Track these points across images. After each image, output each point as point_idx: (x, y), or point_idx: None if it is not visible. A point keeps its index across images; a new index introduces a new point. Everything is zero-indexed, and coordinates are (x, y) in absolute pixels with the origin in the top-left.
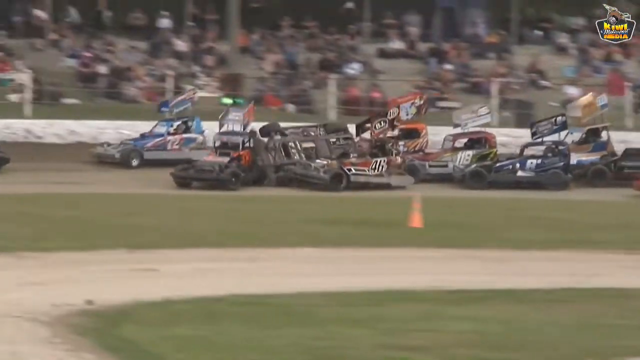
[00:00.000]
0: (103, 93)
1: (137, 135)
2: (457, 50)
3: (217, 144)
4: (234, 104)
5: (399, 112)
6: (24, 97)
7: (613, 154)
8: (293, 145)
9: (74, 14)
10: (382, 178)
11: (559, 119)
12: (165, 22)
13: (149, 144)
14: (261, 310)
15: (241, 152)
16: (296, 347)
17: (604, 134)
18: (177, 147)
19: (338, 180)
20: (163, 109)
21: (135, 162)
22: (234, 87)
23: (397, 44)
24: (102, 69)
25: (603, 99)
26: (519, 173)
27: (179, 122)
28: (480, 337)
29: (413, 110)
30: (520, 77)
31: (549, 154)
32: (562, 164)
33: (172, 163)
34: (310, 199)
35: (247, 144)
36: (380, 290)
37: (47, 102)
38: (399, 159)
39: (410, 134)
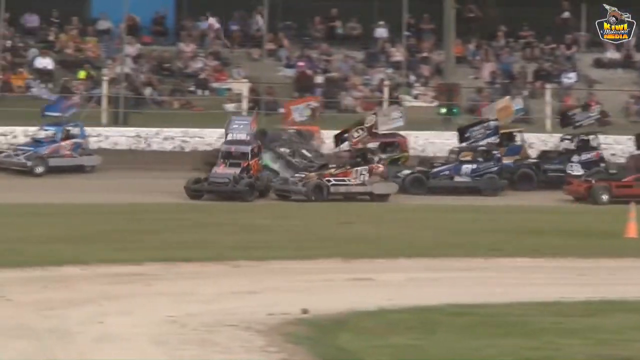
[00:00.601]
0: (320, 102)
1: None
2: None
3: (224, 154)
4: (450, 114)
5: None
6: (240, 107)
7: (527, 157)
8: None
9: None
10: (363, 187)
11: (492, 123)
12: (381, 32)
13: (48, 151)
14: (476, 320)
15: (250, 162)
16: (510, 357)
17: (518, 138)
18: (68, 152)
19: (319, 192)
20: (49, 112)
21: (40, 170)
22: (450, 97)
23: (613, 54)
24: (319, 78)
25: (519, 103)
26: (456, 178)
27: (62, 128)
28: None
29: (307, 112)
30: None
31: (480, 159)
32: (496, 168)
33: (69, 170)
34: (518, 209)
35: (254, 153)
36: (594, 300)
37: (263, 111)
38: (381, 167)
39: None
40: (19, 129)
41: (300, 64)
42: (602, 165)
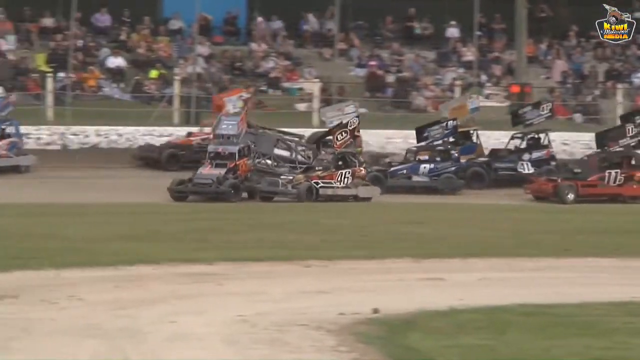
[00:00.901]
0: (390, 102)
1: None
2: None
3: (212, 154)
4: None
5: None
6: (312, 107)
7: (482, 156)
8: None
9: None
10: (349, 190)
11: (450, 123)
12: (453, 32)
13: None
14: (547, 320)
15: (238, 162)
16: (582, 357)
17: (474, 137)
18: (4, 152)
19: (309, 194)
20: None
21: None
22: (521, 97)
23: None
24: (390, 78)
25: (475, 102)
26: (414, 178)
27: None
28: None
29: (240, 103)
30: None
31: (438, 159)
32: (453, 168)
33: (4, 170)
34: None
35: (244, 153)
36: None
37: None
38: (362, 170)
39: None
40: (90, 129)
41: (372, 63)
42: (553, 163)
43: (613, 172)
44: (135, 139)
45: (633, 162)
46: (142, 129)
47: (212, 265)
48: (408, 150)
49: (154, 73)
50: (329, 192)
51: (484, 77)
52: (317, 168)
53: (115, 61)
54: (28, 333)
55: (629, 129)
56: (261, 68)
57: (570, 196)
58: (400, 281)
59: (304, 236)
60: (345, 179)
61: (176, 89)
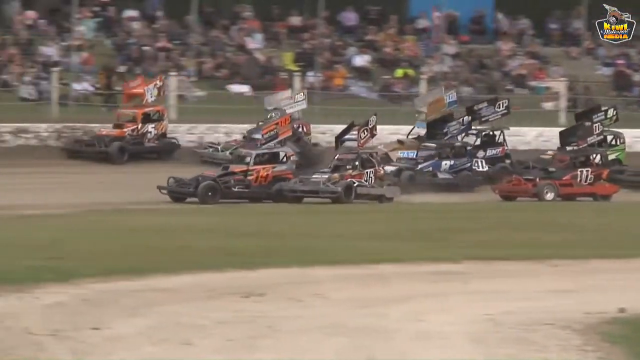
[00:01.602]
0: (637, 101)
1: None
2: None
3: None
4: None
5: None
6: (558, 106)
7: None
8: None
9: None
10: (379, 189)
11: (466, 118)
12: None
13: None
14: None
15: (251, 167)
16: None
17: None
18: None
19: (349, 193)
20: None
21: None
22: None
23: None
24: (637, 77)
25: (452, 96)
26: (439, 175)
27: None
28: None
29: (155, 92)
30: None
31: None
32: (469, 164)
33: None
34: None
35: (265, 157)
36: None
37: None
38: (381, 171)
39: (152, 116)
40: (337, 127)
41: (619, 62)
42: (508, 161)
43: (584, 170)
44: (384, 138)
45: (598, 160)
46: (388, 127)
47: (457, 263)
48: (425, 147)
49: (399, 72)
50: (364, 191)
51: None
52: (347, 167)
53: (362, 60)
54: (273, 331)
55: (595, 127)
56: (507, 67)
57: (550, 195)
58: None
59: (546, 235)
60: (370, 179)
61: (422, 88)
